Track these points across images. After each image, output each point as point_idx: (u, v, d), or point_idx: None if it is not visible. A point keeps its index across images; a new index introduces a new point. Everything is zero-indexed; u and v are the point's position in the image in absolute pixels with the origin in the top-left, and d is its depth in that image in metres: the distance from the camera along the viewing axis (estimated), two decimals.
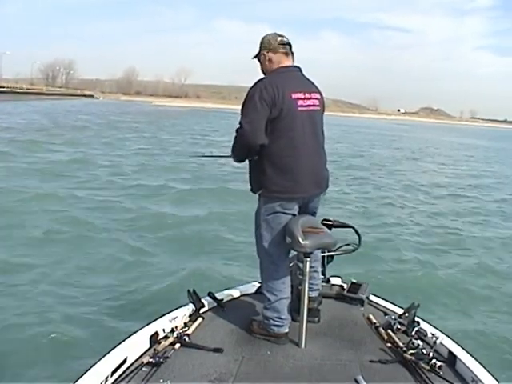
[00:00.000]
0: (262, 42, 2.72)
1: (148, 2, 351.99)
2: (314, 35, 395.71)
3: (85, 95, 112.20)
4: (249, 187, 2.71)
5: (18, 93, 72.03)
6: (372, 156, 23.44)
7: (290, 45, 2.72)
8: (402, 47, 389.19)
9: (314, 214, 2.81)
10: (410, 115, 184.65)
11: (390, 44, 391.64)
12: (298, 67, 2.72)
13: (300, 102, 2.58)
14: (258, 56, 2.75)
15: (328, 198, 9.95)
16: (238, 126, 2.55)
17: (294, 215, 2.61)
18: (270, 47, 2.68)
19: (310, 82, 2.74)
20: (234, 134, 2.59)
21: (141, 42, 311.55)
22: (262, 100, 2.48)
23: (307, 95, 2.63)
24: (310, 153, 2.64)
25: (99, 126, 28.81)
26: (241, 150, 2.62)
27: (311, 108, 2.65)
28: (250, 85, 2.60)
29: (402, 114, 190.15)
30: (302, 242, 2.44)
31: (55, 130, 23.65)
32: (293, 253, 2.78)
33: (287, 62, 2.68)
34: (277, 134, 2.52)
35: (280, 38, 2.69)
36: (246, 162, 2.72)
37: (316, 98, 2.69)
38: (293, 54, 2.73)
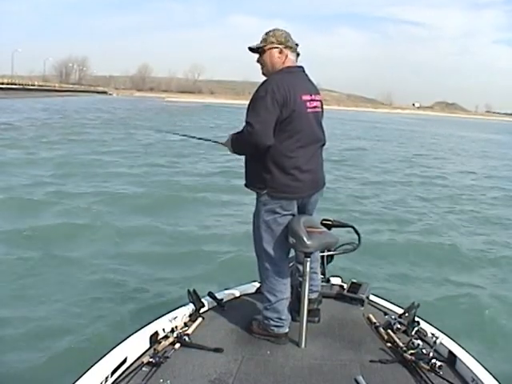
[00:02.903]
0: (276, 36, 2.61)
1: None
2: (329, 30, 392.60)
3: (98, 92, 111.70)
4: (244, 183, 2.70)
5: (30, 89, 71.62)
6: (385, 153, 23.34)
7: None
8: (417, 41, 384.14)
9: (311, 213, 2.81)
10: (425, 109, 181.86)
11: (406, 38, 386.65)
12: (302, 67, 2.71)
13: (307, 104, 2.60)
14: (264, 48, 2.62)
15: (331, 199, 9.96)
16: (246, 124, 2.48)
17: (293, 215, 2.62)
18: (288, 44, 2.62)
19: (312, 82, 2.74)
20: (240, 131, 2.54)
21: (155, 38, 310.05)
22: (274, 100, 2.45)
23: (313, 97, 2.65)
24: (313, 153, 2.68)
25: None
26: (247, 148, 2.57)
27: (316, 110, 2.68)
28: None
29: (417, 108, 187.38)
30: (307, 241, 2.44)
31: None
32: (292, 253, 2.78)
33: (295, 63, 2.67)
34: (286, 135, 2.51)
35: (293, 38, 2.66)
36: (242, 157, 2.71)
37: (319, 100, 2.73)
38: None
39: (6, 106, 36.91)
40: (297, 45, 2.68)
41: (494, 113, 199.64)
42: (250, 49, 2.69)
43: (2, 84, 63.63)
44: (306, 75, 2.71)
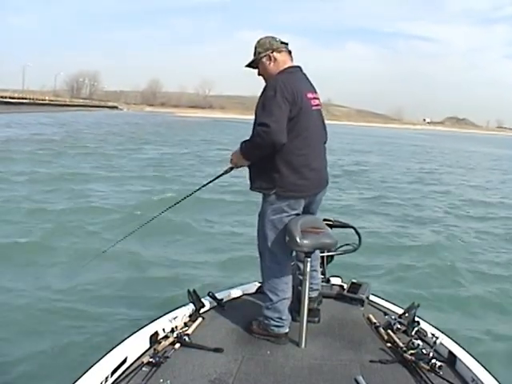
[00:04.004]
0: (260, 45, 2.67)
1: (172, 14, 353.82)
2: (339, 45, 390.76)
3: (108, 107, 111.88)
4: (249, 187, 2.68)
5: (41, 104, 72.01)
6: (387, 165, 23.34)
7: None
8: (427, 56, 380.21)
9: (315, 212, 2.82)
10: (435, 125, 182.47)
11: (416, 53, 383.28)
12: (300, 67, 2.74)
13: (311, 102, 2.64)
14: (256, 61, 2.69)
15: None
16: (259, 125, 2.46)
17: (298, 214, 2.62)
18: (274, 47, 2.65)
19: (310, 81, 2.77)
20: (252, 135, 2.52)
21: (165, 53, 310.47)
22: (284, 99, 2.47)
23: (314, 94, 2.70)
24: (319, 151, 2.72)
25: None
26: (263, 150, 2.50)
27: (318, 107, 2.73)
28: None
29: (428, 123, 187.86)
30: (299, 241, 2.44)
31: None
32: (295, 253, 2.78)
33: (290, 62, 2.70)
34: (294, 133, 2.52)
35: (278, 38, 2.70)
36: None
37: (319, 98, 2.76)
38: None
39: (15, 120, 37.01)
40: (285, 43, 2.71)
41: (505, 128, 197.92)
42: (248, 66, 2.75)
43: (13, 98, 64.31)
44: (305, 74, 2.74)
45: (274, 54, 2.65)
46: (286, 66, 2.65)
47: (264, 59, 2.67)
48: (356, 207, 10.99)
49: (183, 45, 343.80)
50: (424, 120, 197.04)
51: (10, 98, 63.66)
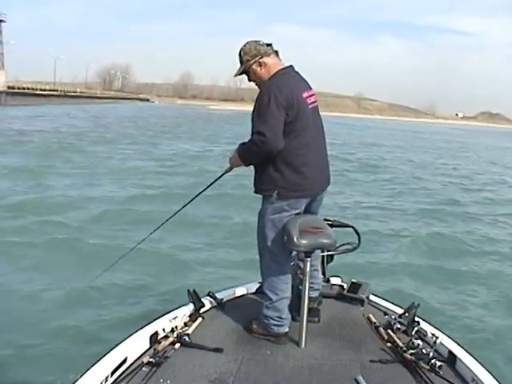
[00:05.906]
0: (246, 53, 2.62)
1: (204, 6, 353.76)
2: (371, 39, 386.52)
3: (140, 99, 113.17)
4: (254, 190, 2.68)
5: (72, 96, 73.58)
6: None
7: None
8: (461, 50, 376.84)
9: (316, 211, 2.82)
10: (468, 120, 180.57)
11: (450, 47, 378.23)
12: (292, 66, 2.72)
13: (307, 101, 2.63)
14: (247, 69, 2.65)
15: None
16: (256, 133, 2.48)
17: (299, 214, 2.63)
18: (261, 52, 2.63)
19: (304, 78, 2.76)
20: (250, 141, 2.53)
21: (197, 46, 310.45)
22: (278, 105, 2.46)
23: (309, 92, 2.68)
24: (319, 148, 2.71)
25: None
26: (260, 157, 2.54)
27: (315, 104, 2.71)
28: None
29: (460, 118, 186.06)
30: (296, 241, 2.44)
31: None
32: (295, 252, 2.78)
33: (280, 62, 2.68)
34: (293, 135, 2.53)
35: (261, 42, 2.67)
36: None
37: (314, 94, 2.74)
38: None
39: (43, 113, 37.28)
40: (269, 44, 2.68)
41: None
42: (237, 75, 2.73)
43: (44, 91, 65.93)
44: (298, 73, 2.73)
45: (264, 59, 2.62)
46: (278, 69, 2.63)
47: (254, 66, 2.63)
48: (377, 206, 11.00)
49: (216, 37, 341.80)
50: (457, 115, 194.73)
51: (41, 90, 65.49)
